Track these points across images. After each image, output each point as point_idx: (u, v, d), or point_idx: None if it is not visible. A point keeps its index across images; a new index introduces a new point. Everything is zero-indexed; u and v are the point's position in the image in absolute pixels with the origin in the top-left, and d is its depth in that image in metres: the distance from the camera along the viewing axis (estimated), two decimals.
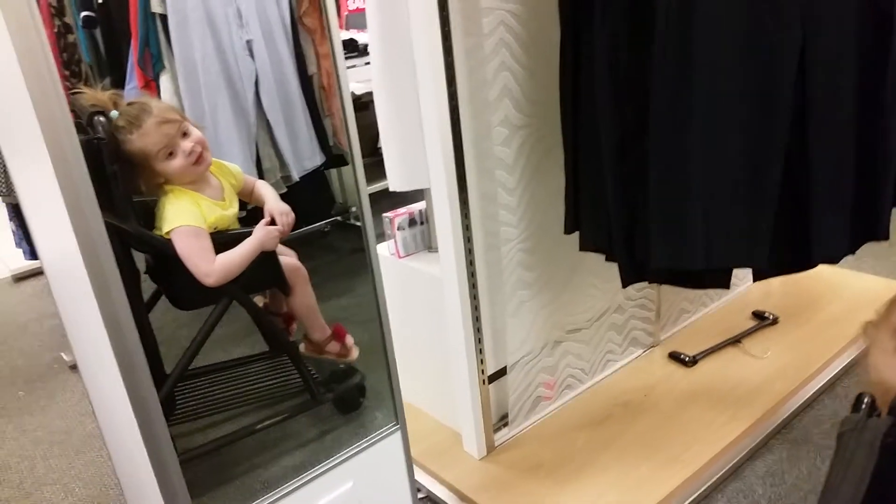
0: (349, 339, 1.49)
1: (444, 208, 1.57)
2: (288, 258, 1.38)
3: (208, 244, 1.19)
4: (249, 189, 1.34)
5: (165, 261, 1.21)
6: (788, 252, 1.54)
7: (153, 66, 1.68)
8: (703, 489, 1.70)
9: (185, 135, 1.19)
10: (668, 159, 1.40)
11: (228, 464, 1.39)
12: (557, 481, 1.69)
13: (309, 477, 1.30)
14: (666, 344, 2.20)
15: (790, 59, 1.36)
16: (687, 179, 1.39)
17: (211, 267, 1.18)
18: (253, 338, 1.44)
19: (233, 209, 1.28)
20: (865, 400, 0.53)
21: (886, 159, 1.56)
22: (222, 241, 1.23)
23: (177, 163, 1.18)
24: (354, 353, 1.50)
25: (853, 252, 1.61)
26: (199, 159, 1.20)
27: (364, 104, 2.68)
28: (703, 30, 1.33)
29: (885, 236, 1.65)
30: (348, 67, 3.44)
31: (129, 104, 1.17)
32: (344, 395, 1.49)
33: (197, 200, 1.21)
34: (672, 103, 1.37)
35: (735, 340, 2.18)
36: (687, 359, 2.10)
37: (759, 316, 2.29)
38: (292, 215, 1.29)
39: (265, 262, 1.29)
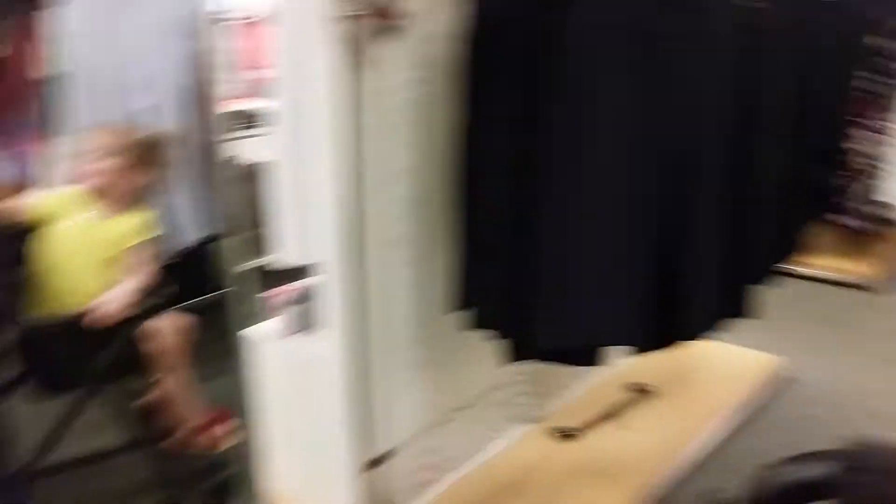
0: (224, 428, 1.41)
1: (337, 285, 1.52)
2: (166, 337, 1.30)
3: None
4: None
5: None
6: (660, 330, 1.59)
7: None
8: None
9: None
10: (558, 240, 1.42)
11: None
12: None
13: None
14: (548, 419, 2.20)
15: (670, 147, 1.44)
16: (568, 259, 1.42)
17: None
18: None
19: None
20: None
21: (752, 243, 1.66)
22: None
23: None
24: (226, 444, 1.41)
25: (719, 329, 1.68)
26: None
27: (250, 175, 2.58)
28: (591, 114, 1.38)
29: (752, 314, 1.74)
30: (240, 137, 3.33)
31: None
32: (213, 490, 1.40)
33: None
34: (560, 183, 1.41)
35: (614, 413, 2.20)
36: (569, 434, 2.10)
37: (636, 388, 2.33)
38: (108, 315, 1.20)
39: (128, 348, 1.21)
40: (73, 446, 1.29)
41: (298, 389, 1.79)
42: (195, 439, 1.37)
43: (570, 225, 1.40)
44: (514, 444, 2.09)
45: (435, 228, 1.67)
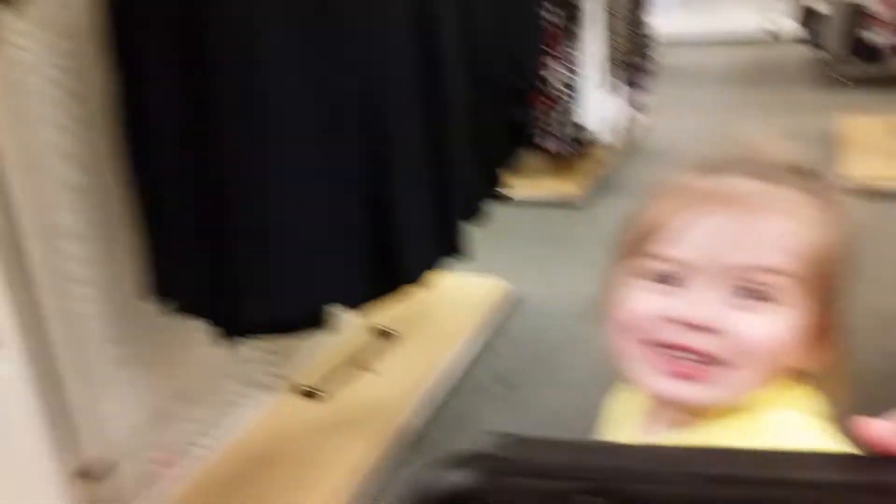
0: None
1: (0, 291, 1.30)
2: None
3: None
4: None
5: None
6: (380, 282, 1.59)
7: None
8: None
9: None
10: (249, 211, 1.34)
11: None
12: None
13: None
14: (292, 380, 2.13)
15: (353, 101, 1.40)
16: (271, 229, 1.35)
17: None
18: None
19: None
20: None
21: (459, 181, 1.70)
22: None
23: None
24: None
25: (440, 269, 1.72)
26: None
27: None
28: (263, 77, 1.30)
29: (464, 252, 1.81)
30: None
31: None
32: None
33: None
34: (242, 152, 1.32)
35: (361, 362, 2.19)
36: (314, 392, 2.05)
37: (381, 333, 2.34)
38: None
39: None
40: None
41: None
42: None
43: (258, 192, 1.34)
44: (260, 415, 2.01)
45: (111, 216, 1.49)
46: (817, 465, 0.37)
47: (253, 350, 2.00)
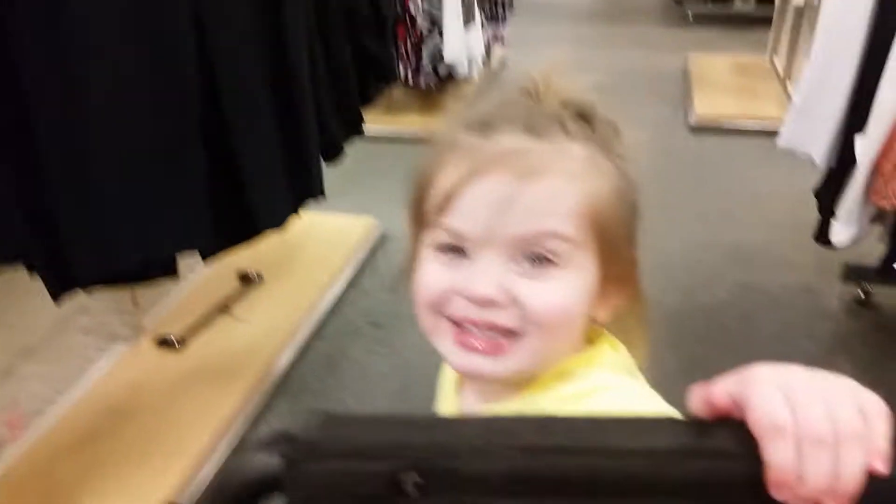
0: None
1: None
2: None
3: None
4: None
5: None
6: (232, 227, 1.51)
7: None
8: (209, 473, 1.61)
9: None
10: (67, 161, 1.21)
11: None
12: None
13: None
14: (152, 329, 2.03)
15: (185, 32, 1.29)
16: (97, 178, 1.23)
17: None
18: None
19: None
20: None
21: (305, 121, 1.63)
22: None
23: None
24: None
25: (297, 212, 1.66)
26: None
27: None
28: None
29: (321, 194, 1.75)
30: None
31: None
32: None
33: None
34: (57, 97, 1.18)
35: (223, 308, 2.11)
36: (175, 341, 1.96)
37: (244, 277, 2.26)
38: None
39: None
40: None
41: None
42: None
43: (72, 131, 1.20)
44: (115, 367, 1.90)
45: None
46: (636, 431, 0.37)
47: (105, 300, 1.88)
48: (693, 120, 3.59)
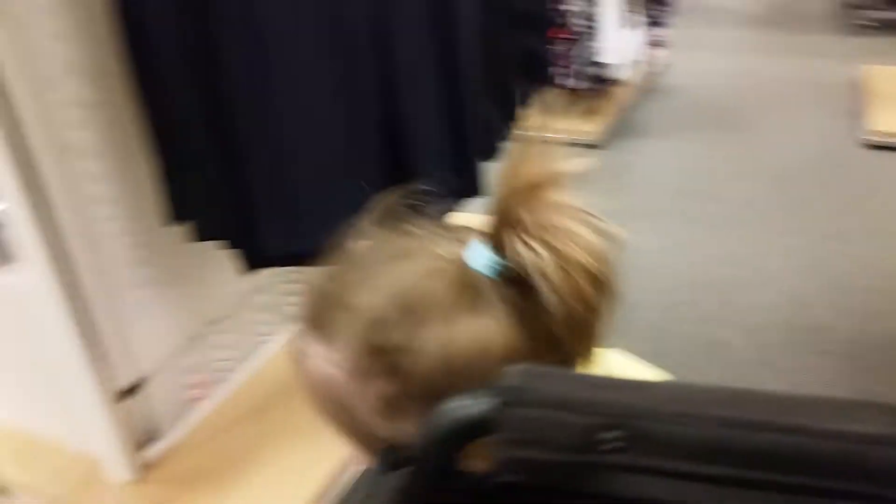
0: None
1: (17, 209, 1.31)
2: None
3: None
4: None
5: None
6: None
7: None
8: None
9: None
10: (261, 135, 1.32)
11: None
12: (222, 486, 1.57)
13: None
14: None
15: (364, 25, 1.37)
16: (284, 155, 1.34)
17: None
18: None
19: None
20: (384, 456, 0.49)
21: (470, 116, 1.68)
22: None
23: None
24: None
25: (457, 209, 1.72)
26: None
27: None
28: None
29: (480, 192, 1.79)
30: None
31: None
32: None
33: None
34: (251, 78, 1.30)
35: None
36: None
37: None
38: None
39: None
40: None
41: (11, 327, 1.57)
42: None
43: (269, 118, 1.32)
44: (287, 346, 2.03)
45: (125, 134, 1.46)
46: (836, 413, 0.37)
47: (279, 282, 2.02)
48: (866, 135, 3.37)
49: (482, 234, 0.56)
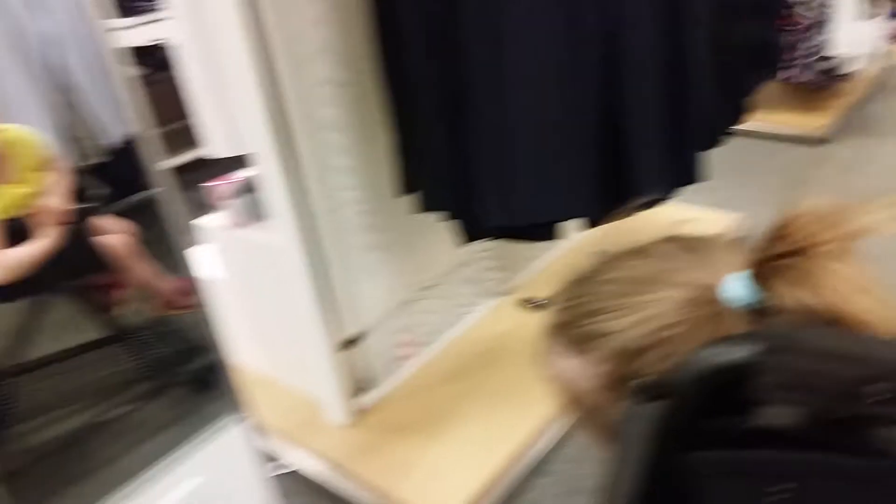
0: (187, 297, 1.37)
1: (275, 174, 1.50)
2: (113, 236, 1.25)
3: None
4: (48, 171, 1.19)
5: None
6: (612, 200, 1.60)
7: None
8: (566, 429, 1.76)
9: None
10: (487, 114, 1.40)
11: (75, 459, 1.28)
12: (423, 438, 1.70)
13: (156, 469, 1.23)
14: (518, 291, 2.24)
15: (596, 9, 1.39)
16: (506, 135, 1.41)
17: None
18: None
19: (26, 188, 1.13)
20: (637, 387, 0.52)
21: (694, 106, 1.65)
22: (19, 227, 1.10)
23: None
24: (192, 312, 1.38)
25: (674, 195, 1.70)
26: None
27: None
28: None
29: (700, 178, 1.76)
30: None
31: None
32: (194, 375, 1.40)
33: None
34: (485, 57, 1.38)
35: None
36: (539, 304, 2.15)
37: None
38: (56, 214, 1.15)
39: (79, 249, 1.17)
40: (47, 346, 1.27)
41: (259, 278, 1.79)
42: (171, 304, 1.34)
43: (505, 101, 1.38)
44: (486, 317, 2.14)
45: (367, 111, 1.61)
46: None
47: (484, 258, 2.13)
48: None
49: (731, 259, 0.56)
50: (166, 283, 1.33)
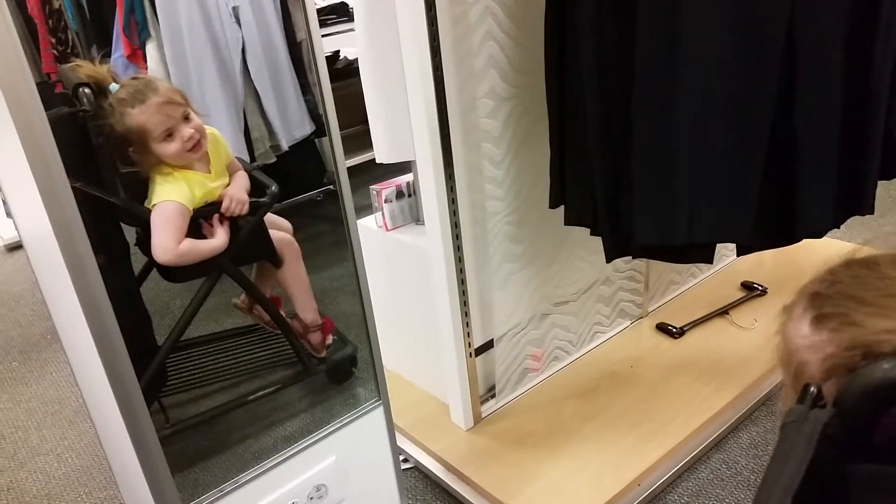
0: (329, 338, 1.50)
1: (430, 181, 1.56)
2: (280, 232, 1.37)
3: (182, 224, 1.18)
4: (232, 169, 1.33)
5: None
6: (772, 226, 1.54)
7: (139, 34, 1.65)
8: (686, 459, 1.72)
9: (186, 119, 1.17)
10: (653, 132, 1.39)
11: (220, 434, 1.41)
12: (543, 451, 1.71)
13: (296, 449, 1.31)
14: (654, 315, 2.21)
15: (777, 32, 1.35)
16: (671, 153, 1.38)
17: (172, 246, 1.17)
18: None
19: (220, 181, 1.26)
20: (811, 390, 0.52)
21: (872, 134, 1.55)
22: (204, 213, 1.22)
23: (174, 147, 1.16)
24: (324, 353, 1.50)
25: (838, 226, 1.61)
26: (195, 147, 1.18)
27: (355, 70, 2.57)
28: (691, 1, 1.32)
29: (870, 210, 1.65)
30: (339, 32, 3.36)
31: (134, 79, 1.17)
32: (336, 366, 1.50)
33: (188, 178, 1.20)
34: (658, 76, 1.36)
35: (723, 311, 2.18)
36: (674, 330, 2.10)
37: (747, 287, 2.29)
38: (243, 203, 1.27)
39: (255, 235, 1.29)
40: (206, 326, 1.40)
41: (402, 278, 1.87)
42: (309, 335, 1.45)
43: (676, 120, 1.36)
44: (620, 339, 2.12)
45: (524, 124, 1.66)
46: None
47: (622, 279, 2.11)
48: None
49: None
50: (311, 312, 1.44)
